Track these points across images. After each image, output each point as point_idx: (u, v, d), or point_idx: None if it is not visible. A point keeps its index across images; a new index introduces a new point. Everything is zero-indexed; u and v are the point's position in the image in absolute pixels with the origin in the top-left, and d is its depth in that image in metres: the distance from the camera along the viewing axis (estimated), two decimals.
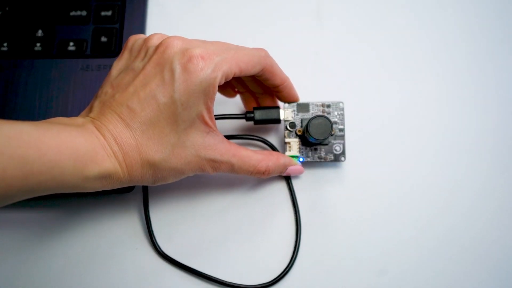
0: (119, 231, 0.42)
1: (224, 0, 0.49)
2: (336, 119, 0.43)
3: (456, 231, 0.42)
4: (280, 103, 0.44)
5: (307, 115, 0.43)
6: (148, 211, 0.42)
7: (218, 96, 0.42)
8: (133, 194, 0.43)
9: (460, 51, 0.47)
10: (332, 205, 0.43)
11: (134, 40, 0.38)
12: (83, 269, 0.41)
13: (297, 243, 0.42)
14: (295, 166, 0.42)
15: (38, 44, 0.46)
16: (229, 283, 0.40)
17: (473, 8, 0.49)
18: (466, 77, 0.47)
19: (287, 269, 0.41)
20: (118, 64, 0.38)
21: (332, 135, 0.41)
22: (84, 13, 0.47)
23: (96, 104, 0.36)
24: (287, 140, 0.43)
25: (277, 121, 0.42)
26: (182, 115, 0.35)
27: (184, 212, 0.43)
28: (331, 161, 0.43)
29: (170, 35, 0.36)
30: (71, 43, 0.46)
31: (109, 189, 0.35)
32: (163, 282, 0.41)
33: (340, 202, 0.43)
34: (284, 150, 0.43)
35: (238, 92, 0.44)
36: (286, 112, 0.43)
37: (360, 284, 0.41)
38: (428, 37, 0.48)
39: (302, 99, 0.43)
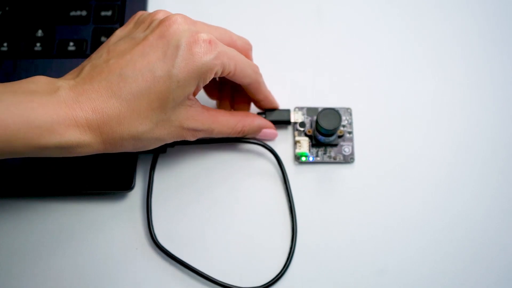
0: (118, 230, 0.42)
1: (224, 1, 0.49)
2: (345, 123, 0.44)
3: (457, 232, 0.42)
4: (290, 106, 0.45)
5: None
6: (150, 202, 0.42)
7: None
8: (133, 193, 0.43)
9: (467, 50, 0.48)
10: (331, 205, 0.43)
11: (142, 13, 0.39)
12: (82, 269, 0.41)
13: (293, 242, 0.41)
14: (270, 129, 0.43)
15: (38, 44, 0.46)
16: (224, 284, 0.40)
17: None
18: (474, 76, 0.47)
19: (283, 270, 0.41)
20: (121, 33, 0.38)
21: (342, 133, 0.43)
22: (84, 13, 0.47)
23: (88, 67, 0.35)
24: (297, 138, 0.44)
25: (287, 122, 0.44)
26: (174, 92, 0.35)
27: (183, 213, 0.43)
28: (341, 162, 0.44)
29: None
30: (71, 43, 0.46)
31: (80, 155, 0.35)
32: (161, 280, 0.41)
33: (339, 202, 0.43)
34: (294, 149, 0.44)
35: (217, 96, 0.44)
36: (296, 114, 0.44)
37: (360, 283, 0.41)
38: (433, 37, 0.48)
39: (306, 103, 0.45)
